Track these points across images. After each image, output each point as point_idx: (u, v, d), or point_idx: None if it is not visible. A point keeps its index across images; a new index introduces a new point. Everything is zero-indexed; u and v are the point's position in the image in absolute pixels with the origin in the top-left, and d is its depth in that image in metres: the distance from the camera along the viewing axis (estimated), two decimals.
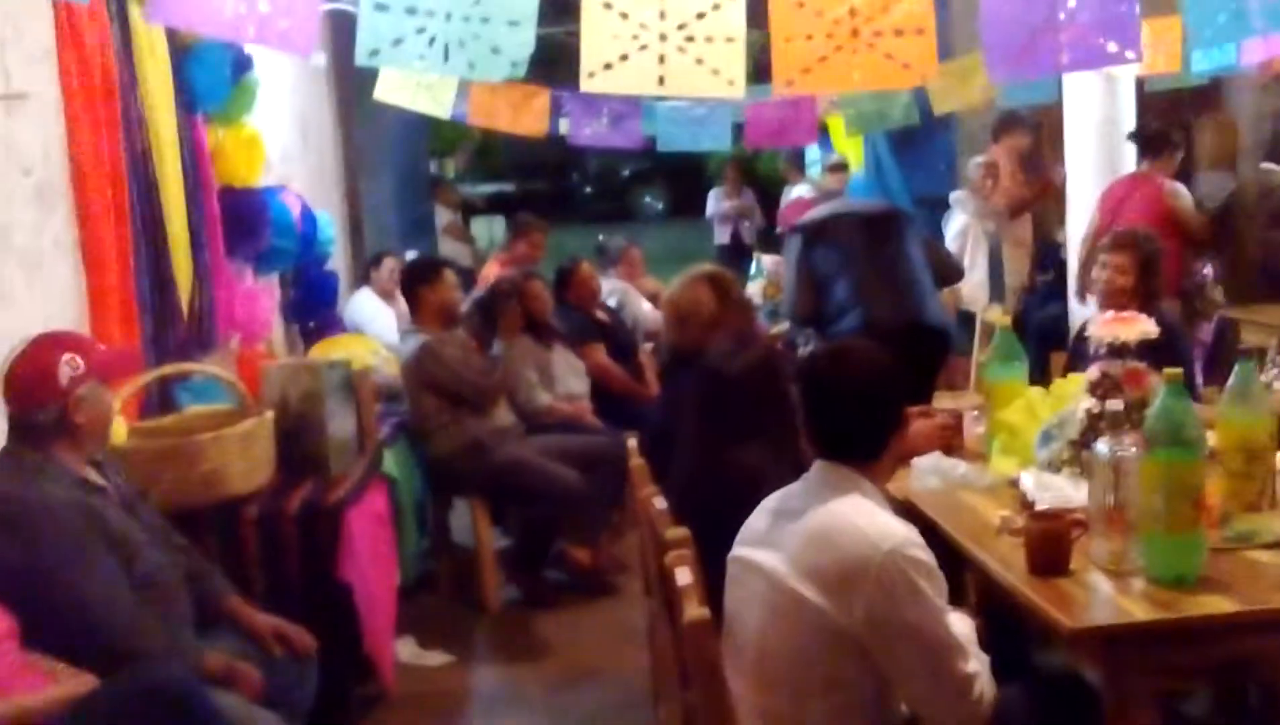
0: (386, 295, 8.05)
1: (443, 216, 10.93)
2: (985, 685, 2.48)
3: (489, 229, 14.48)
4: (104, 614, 2.91)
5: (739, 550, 2.70)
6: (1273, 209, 7.62)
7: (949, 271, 5.82)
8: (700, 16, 3.72)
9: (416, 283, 5.73)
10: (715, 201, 11.22)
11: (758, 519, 2.70)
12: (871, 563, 2.40)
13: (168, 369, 4.16)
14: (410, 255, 9.10)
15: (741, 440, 3.22)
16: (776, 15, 3.80)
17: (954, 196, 7.62)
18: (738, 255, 10.88)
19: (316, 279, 6.77)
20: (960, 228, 7.41)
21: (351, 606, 4.01)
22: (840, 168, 9.18)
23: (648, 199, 23.23)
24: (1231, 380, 2.91)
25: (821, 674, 2.48)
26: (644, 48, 3.69)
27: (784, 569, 2.51)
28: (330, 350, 5.81)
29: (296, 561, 3.97)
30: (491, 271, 7.35)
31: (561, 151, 18.47)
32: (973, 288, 7.37)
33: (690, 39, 3.72)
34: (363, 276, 8.25)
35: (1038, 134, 8.29)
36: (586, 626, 5.25)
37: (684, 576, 2.58)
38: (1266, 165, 7.67)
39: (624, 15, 3.68)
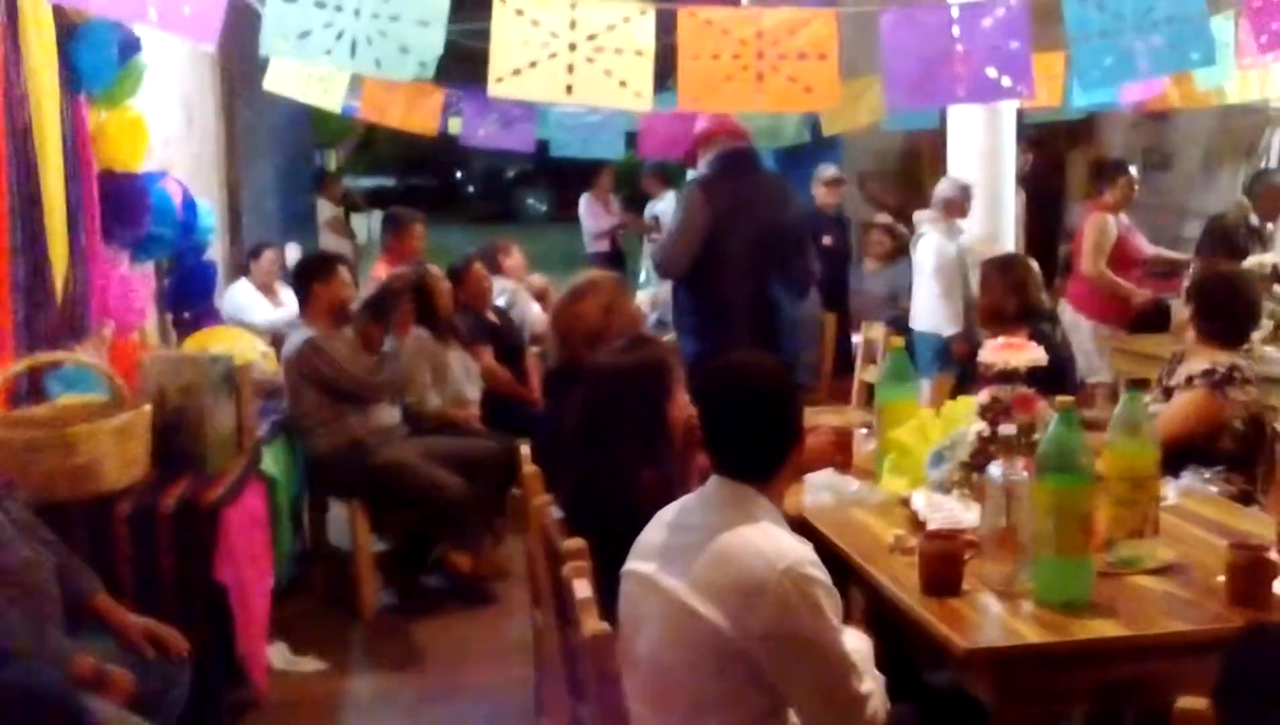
0: (265, 288, 7.93)
1: (325, 210, 10.77)
2: (878, 704, 2.51)
3: (368, 224, 14.28)
4: None
5: (634, 565, 2.68)
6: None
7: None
8: (610, 28, 3.74)
9: (310, 278, 5.64)
10: (587, 208, 11.18)
11: (653, 533, 2.68)
12: (769, 581, 2.40)
13: (44, 358, 4.03)
14: (291, 248, 8.97)
15: (616, 438, 3.18)
16: (685, 33, 3.83)
17: (927, 216, 7.60)
18: (614, 264, 10.89)
19: (194, 268, 6.60)
20: (935, 247, 7.42)
21: (226, 609, 3.92)
22: (838, 182, 8.99)
23: (532, 201, 23.16)
24: (1118, 410, 2.97)
25: (716, 690, 2.47)
26: (553, 56, 3.70)
27: (681, 586, 2.50)
28: (206, 342, 5.67)
29: (171, 560, 3.86)
30: (380, 271, 7.25)
31: (446, 149, 18.37)
32: (948, 309, 7.41)
33: (600, 50, 3.73)
34: (241, 268, 8.11)
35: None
36: (465, 635, 5.19)
37: (582, 589, 2.56)
38: None
39: (535, 23, 3.69)
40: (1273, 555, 2.76)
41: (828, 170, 8.86)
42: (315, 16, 3.48)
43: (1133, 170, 7.65)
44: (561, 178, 19.56)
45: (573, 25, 3.72)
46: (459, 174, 25.92)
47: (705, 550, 2.50)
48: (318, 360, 5.37)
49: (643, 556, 2.66)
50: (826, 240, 8.22)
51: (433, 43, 3.57)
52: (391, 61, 3.56)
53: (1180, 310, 4.48)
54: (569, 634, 2.85)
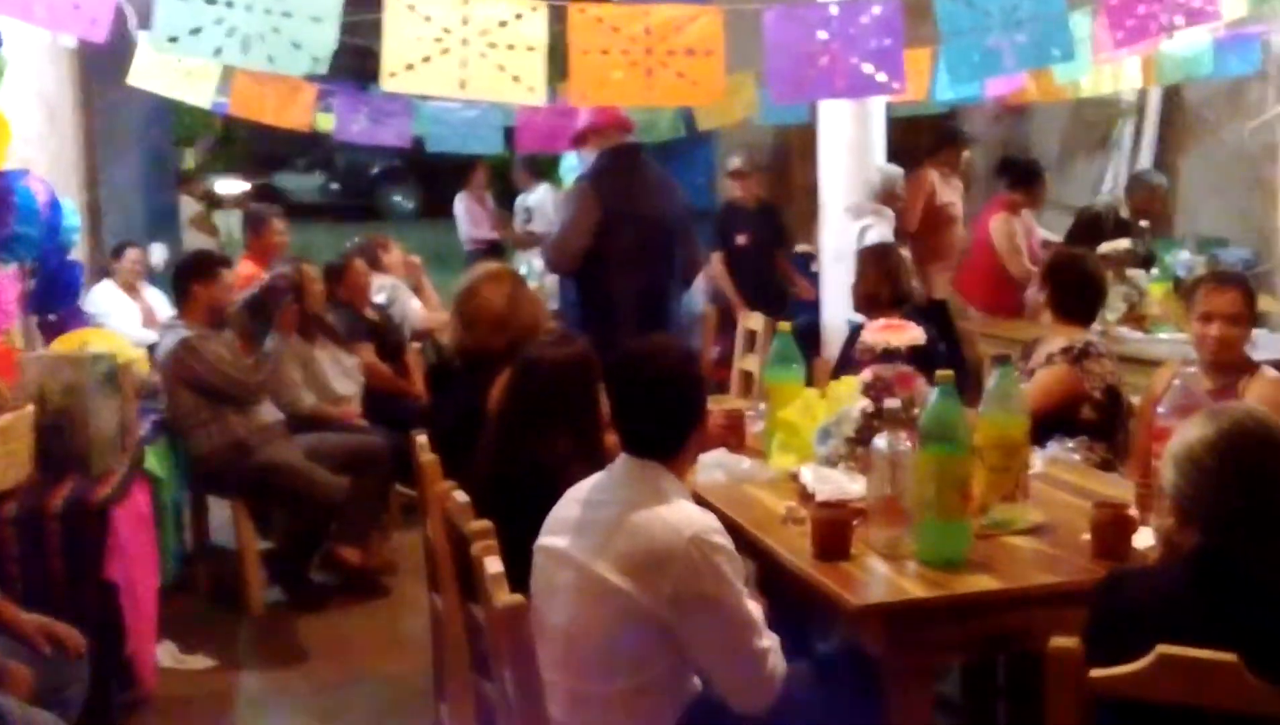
0: (129, 288, 7.79)
1: (189, 208, 10.58)
2: (777, 660, 2.67)
3: (227, 223, 14.02)
4: None
5: (546, 539, 2.80)
6: None
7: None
8: (502, 24, 3.79)
9: (192, 277, 5.57)
10: (464, 207, 11.14)
11: (565, 508, 2.81)
12: (676, 548, 2.56)
13: None
14: (156, 248, 8.81)
15: (546, 428, 3.27)
16: (575, 28, 3.90)
17: (870, 207, 7.59)
18: (493, 258, 10.87)
19: (59, 269, 6.45)
20: (877, 236, 7.47)
21: (116, 607, 3.90)
22: (740, 174, 8.52)
23: (398, 198, 22.88)
24: (991, 384, 3.16)
25: (627, 654, 2.62)
26: (446, 51, 3.74)
27: (594, 558, 2.64)
28: (72, 345, 5.57)
29: (60, 560, 3.83)
30: (246, 271, 7.16)
31: (304, 146, 18.10)
32: None
33: (492, 45, 3.78)
34: (103, 268, 7.94)
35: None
36: (356, 628, 5.21)
37: (493, 565, 2.63)
38: None
39: (427, 18, 3.72)
40: (1132, 513, 2.99)
41: (732, 161, 8.49)
42: (207, 13, 3.47)
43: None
44: (429, 174, 19.34)
45: (465, 21, 3.76)
46: (320, 172, 25.49)
47: (617, 524, 2.65)
48: (193, 361, 5.32)
49: (555, 532, 2.79)
50: (741, 239, 8.07)
51: (325, 38, 3.58)
52: (284, 58, 3.57)
53: (1035, 296, 4.72)
54: (476, 613, 2.91)
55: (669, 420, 2.79)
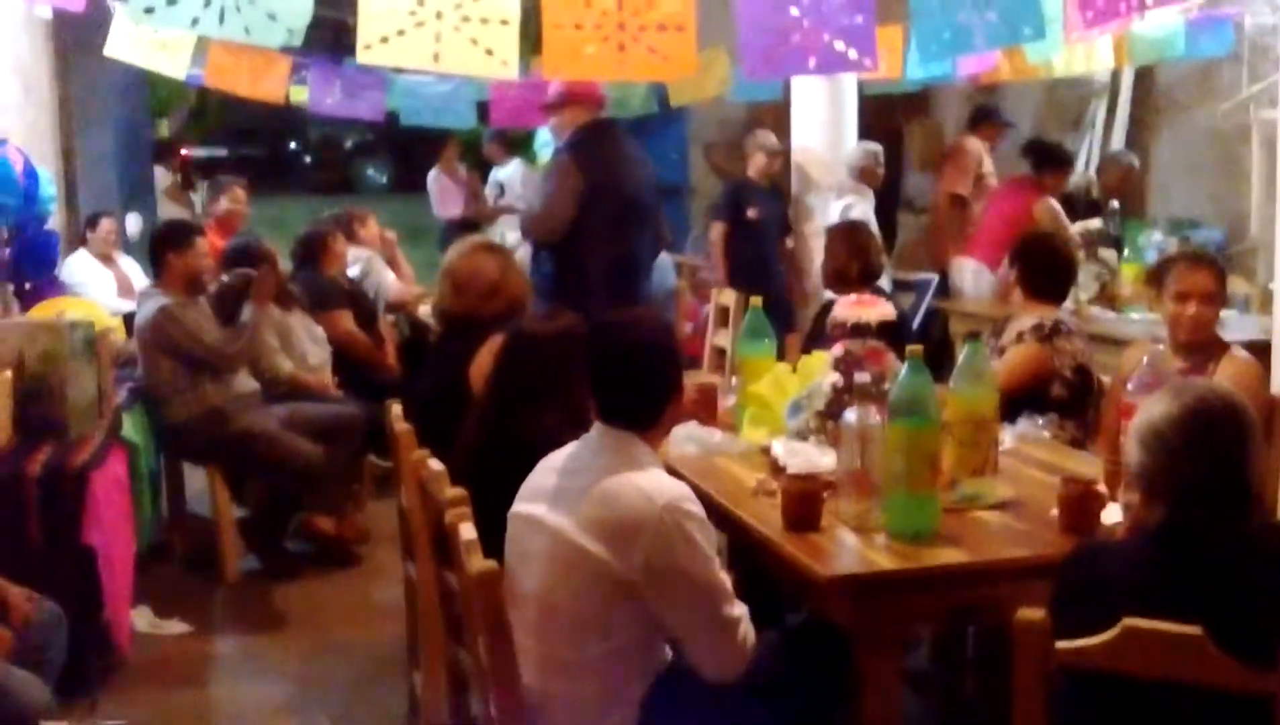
0: (104, 258, 7.79)
1: (163, 178, 10.57)
2: (747, 629, 2.71)
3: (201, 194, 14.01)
4: None
5: (520, 507, 2.84)
6: None
7: None
8: None
9: (166, 246, 5.56)
10: (436, 181, 11.14)
11: (540, 477, 2.85)
12: (649, 516, 2.60)
13: None
14: (131, 218, 8.81)
15: (536, 402, 3.33)
16: (549, 4, 3.93)
17: (850, 185, 7.75)
18: (466, 233, 10.88)
19: (36, 238, 6.48)
20: (863, 215, 7.48)
21: (94, 572, 3.95)
22: (776, 154, 8.22)
23: (371, 171, 22.88)
24: (961, 359, 3.21)
25: (600, 620, 2.67)
26: (420, 24, 3.77)
27: (568, 524, 2.68)
28: (49, 313, 5.60)
29: (39, 524, 3.90)
30: (215, 239, 7.18)
31: (280, 118, 18.06)
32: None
33: (466, 19, 3.81)
34: (79, 237, 7.95)
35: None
36: (330, 597, 5.26)
37: (468, 532, 2.69)
38: None
39: None
40: (1100, 489, 3.02)
41: (766, 138, 8.19)
42: None
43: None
44: (403, 148, 19.34)
45: None
46: (294, 144, 25.47)
47: (592, 491, 2.69)
48: (171, 328, 5.33)
49: (529, 499, 2.83)
50: (751, 213, 7.89)
51: (301, 10, 3.62)
52: (260, 28, 3.61)
53: (1006, 275, 4.75)
54: (450, 580, 2.97)
55: (646, 391, 2.83)
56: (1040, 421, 4.10)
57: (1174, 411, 2.24)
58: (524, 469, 2.93)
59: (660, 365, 2.86)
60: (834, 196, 7.75)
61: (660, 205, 5.82)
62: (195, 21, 3.58)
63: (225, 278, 5.76)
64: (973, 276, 7.70)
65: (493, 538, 2.78)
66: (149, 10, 3.56)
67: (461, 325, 4.15)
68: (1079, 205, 7.59)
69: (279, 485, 5.50)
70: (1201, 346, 3.94)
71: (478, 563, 2.55)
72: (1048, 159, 7.76)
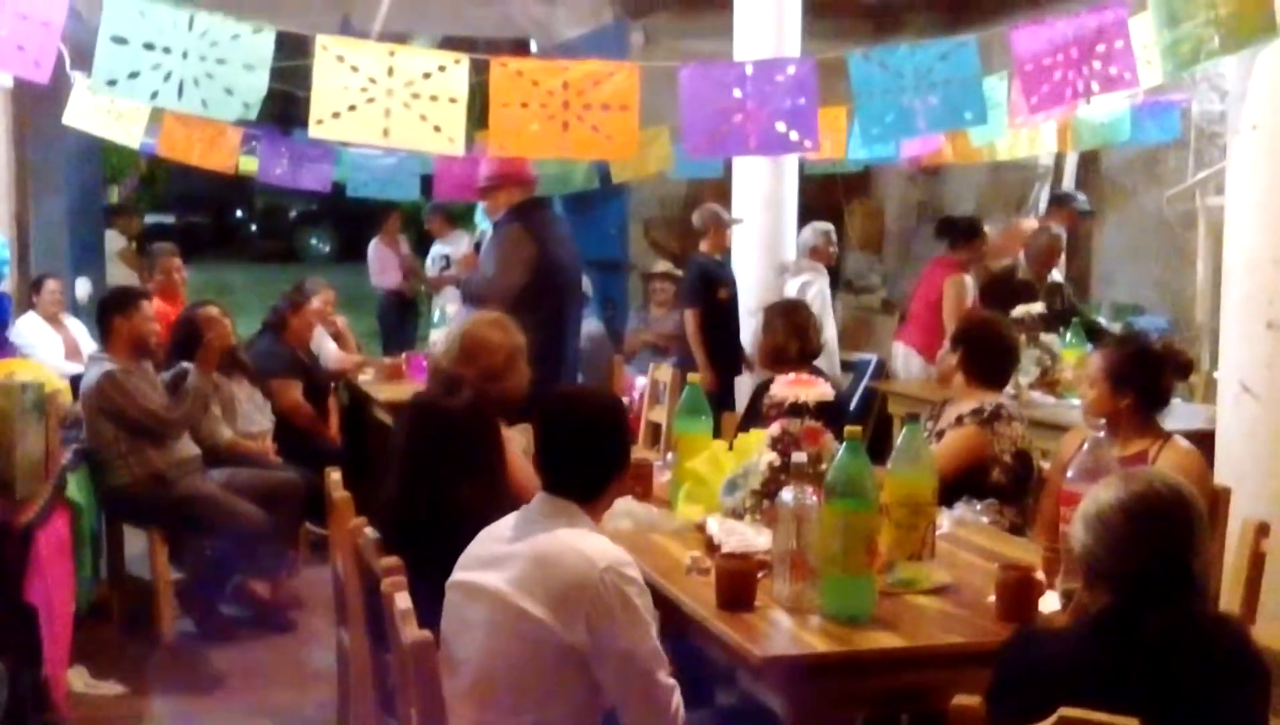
0: (52, 319, 7.81)
1: (115, 242, 10.59)
2: (680, 701, 2.74)
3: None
4: None
5: (460, 575, 2.88)
6: None
7: None
8: (426, 76, 3.93)
9: (111, 312, 5.61)
10: (376, 253, 11.20)
11: (480, 546, 2.90)
12: (590, 578, 2.65)
13: None
14: (81, 282, 8.84)
15: (449, 477, 3.36)
16: (496, 82, 4.04)
17: (806, 263, 7.87)
18: (403, 306, 10.98)
19: None
20: (819, 292, 7.72)
21: (35, 630, 3.95)
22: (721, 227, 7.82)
23: (315, 241, 22.88)
24: (899, 441, 3.22)
25: (540, 686, 2.70)
26: (371, 101, 3.87)
27: (508, 589, 2.72)
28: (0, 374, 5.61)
29: None
30: (162, 306, 7.24)
31: (227, 187, 18.08)
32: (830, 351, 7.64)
33: (416, 96, 3.92)
34: (28, 300, 7.97)
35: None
36: (264, 660, 5.26)
37: (403, 600, 2.70)
38: None
39: (354, 68, 3.85)
40: (1038, 576, 3.01)
41: (719, 212, 7.79)
42: (145, 58, 3.59)
43: (987, 229, 7.96)
44: (346, 218, 19.38)
45: (390, 72, 3.90)
46: (240, 212, 25.46)
47: (532, 555, 2.74)
48: (115, 394, 5.37)
49: (469, 567, 2.87)
50: (723, 293, 7.57)
51: (257, 85, 3.72)
52: (217, 103, 3.70)
53: (944, 358, 4.75)
54: (384, 648, 2.98)
55: (592, 465, 2.90)
56: (979, 506, 4.12)
57: (1122, 497, 2.24)
58: (439, 542, 2.97)
59: (608, 440, 2.94)
60: (790, 274, 7.86)
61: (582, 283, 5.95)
62: (155, 95, 3.66)
63: (171, 372, 5.80)
64: (903, 360, 7.86)
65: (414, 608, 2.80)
66: (111, 82, 3.64)
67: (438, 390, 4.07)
68: (1009, 286, 7.55)
69: (220, 548, 5.51)
70: (1138, 432, 3.92)
71: (412, 632, 2.57)
72: (955, 232, 7.88)
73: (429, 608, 2.79)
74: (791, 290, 7.69)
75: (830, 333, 7.90)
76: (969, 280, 7.66)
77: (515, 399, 4.07)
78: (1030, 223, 8.35)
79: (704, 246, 7.71)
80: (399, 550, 3.05)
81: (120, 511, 5.59)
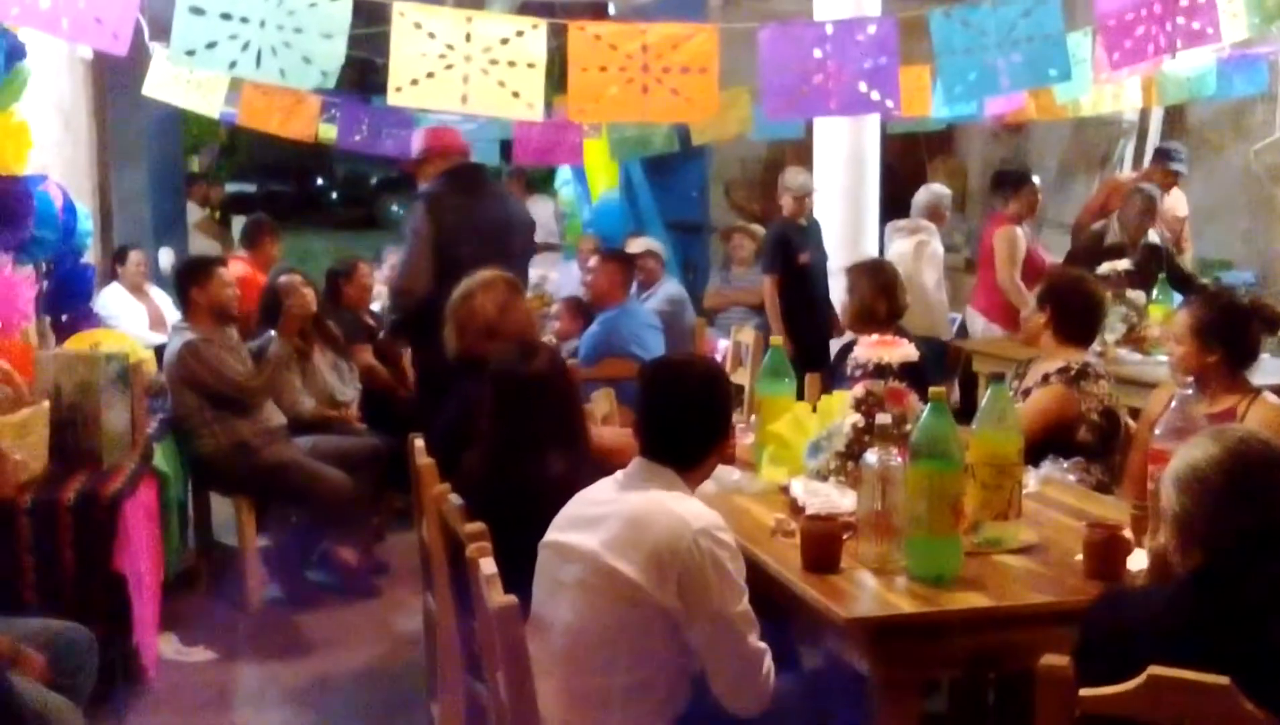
0: (136, 290, 7.93)
1: (195, 213, 10.73)
2: (771, 664, 2.74)
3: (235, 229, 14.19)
4: None
5: (553, 536, 2.88)
6: None
7: None
8: (504, 42, 3.91)
9: (188, 282, 5.67)
10: None
11: (574, 508, 2.90)
12: (683, 540, 2.64)
13: None
14: (164, 252, 8.97)
15: (541, 447, 3.35)
16: (574, 46, 4.02)
17: (923, 223, 7.82)
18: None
19: (72, 271, 6.59)
20: (931, 252, 7.69)
21: (124, 598, 4.02)
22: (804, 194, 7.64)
23: (395, 207, 23.06)
24: (985, 401, 3.16)
25: (630, 649, 2.70)
26: (450, 67, 3.87)
27: (602, 549, 2.72)
28: (85, 345, 5.70)
29: (72, 552, 3.96)
30: (239, 271, 7.29)
31: (306, 155, 18.27)
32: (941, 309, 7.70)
33: (494, 62, 3.91)
34: (112, 271, 8.09)
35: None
36: (351, 626, 5.31)
37: (488, 566, 2.71)
38: None
39: (432, 35, 3.84)
40: (1126, 535, 2.97)
41: (795, 177, 7.64)
42: (222, 28, 3.61)
43: (1036, 180, 7.81)
44: None
45: (468, 38, 3.89)
46: (321, 180, 25.72)
47: (626, 517, 2.73)
48: (195, 364, 5.42)
49: (561, 528, 2.87)
50: (802, 257, 7.40)
51: (335, 53, 3.72)
52: (295, 72, 3.71)
53: (1030, 317, 4.66)
54: (470, 613, 3.00)
55: (694, 434, 2.90)
56: (1065, 464, 4.06)
57: (1216, 454, 2.21)
58: (531, 512, 2.97)
59: (711, 409, 2.93)
60: (905, 233, 7.82)
61: (530, 250, 5.74)
62: (233, 64, 3.68)
63: (259, 340, 5.87)
64: (972, 325, 7.81)
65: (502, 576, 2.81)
66: (190, 53, 3.66)
67: (468, 366, 4.16)
68: (1100, 252, 7.42)
69: (306, 514, 5.57)
70: (1226, 389, 3.88)
71: (498, 597, 2.58)
72: (1004, 185, 7.79)
73: (515, 574, 2.80)
74: (906, 248, 7.67)
75: (942, 293, 7.87)
76: (1019, 231, 7.57)
77: (526, 339, 4.08)
78: (1126, 176, 8.17)
79: (785, 211, 7.62)
80: (484, 517, 3.07)
81: (206, 480, 5.67)
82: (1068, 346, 4.34)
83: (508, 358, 3.60)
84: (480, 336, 4.19)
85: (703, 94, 4.15)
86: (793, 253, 7.40)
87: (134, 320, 7.67)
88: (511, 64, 3.91)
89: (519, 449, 3.38)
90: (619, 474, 2.91)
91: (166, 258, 9.08)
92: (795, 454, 3.75)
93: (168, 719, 4.35)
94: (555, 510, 2.95)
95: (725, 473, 3.77)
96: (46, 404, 4.11)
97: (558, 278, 9.24)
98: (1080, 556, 2.95)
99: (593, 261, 7.32)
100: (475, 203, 5.32)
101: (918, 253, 7.61)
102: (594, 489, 2.92)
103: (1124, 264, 6.68)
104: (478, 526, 2.93)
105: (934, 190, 7.97)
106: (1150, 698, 2.00)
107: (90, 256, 7.15)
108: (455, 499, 3.30)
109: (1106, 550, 2.89)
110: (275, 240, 7.97)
